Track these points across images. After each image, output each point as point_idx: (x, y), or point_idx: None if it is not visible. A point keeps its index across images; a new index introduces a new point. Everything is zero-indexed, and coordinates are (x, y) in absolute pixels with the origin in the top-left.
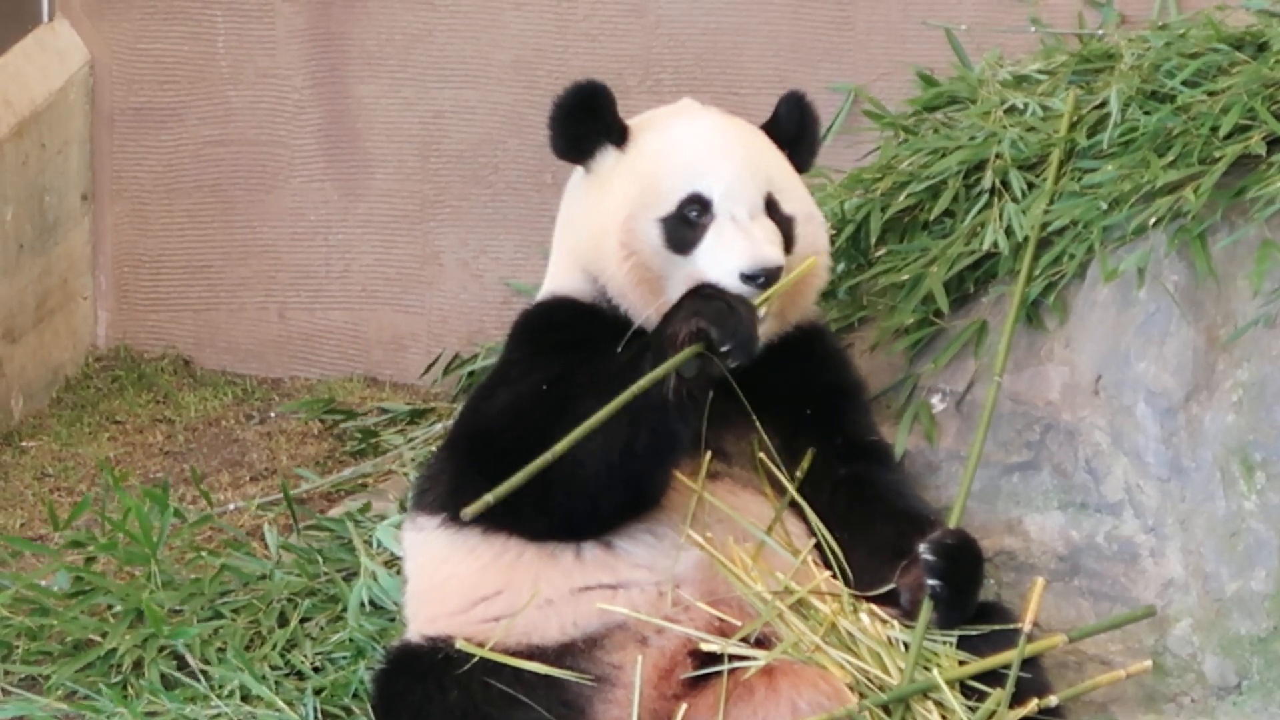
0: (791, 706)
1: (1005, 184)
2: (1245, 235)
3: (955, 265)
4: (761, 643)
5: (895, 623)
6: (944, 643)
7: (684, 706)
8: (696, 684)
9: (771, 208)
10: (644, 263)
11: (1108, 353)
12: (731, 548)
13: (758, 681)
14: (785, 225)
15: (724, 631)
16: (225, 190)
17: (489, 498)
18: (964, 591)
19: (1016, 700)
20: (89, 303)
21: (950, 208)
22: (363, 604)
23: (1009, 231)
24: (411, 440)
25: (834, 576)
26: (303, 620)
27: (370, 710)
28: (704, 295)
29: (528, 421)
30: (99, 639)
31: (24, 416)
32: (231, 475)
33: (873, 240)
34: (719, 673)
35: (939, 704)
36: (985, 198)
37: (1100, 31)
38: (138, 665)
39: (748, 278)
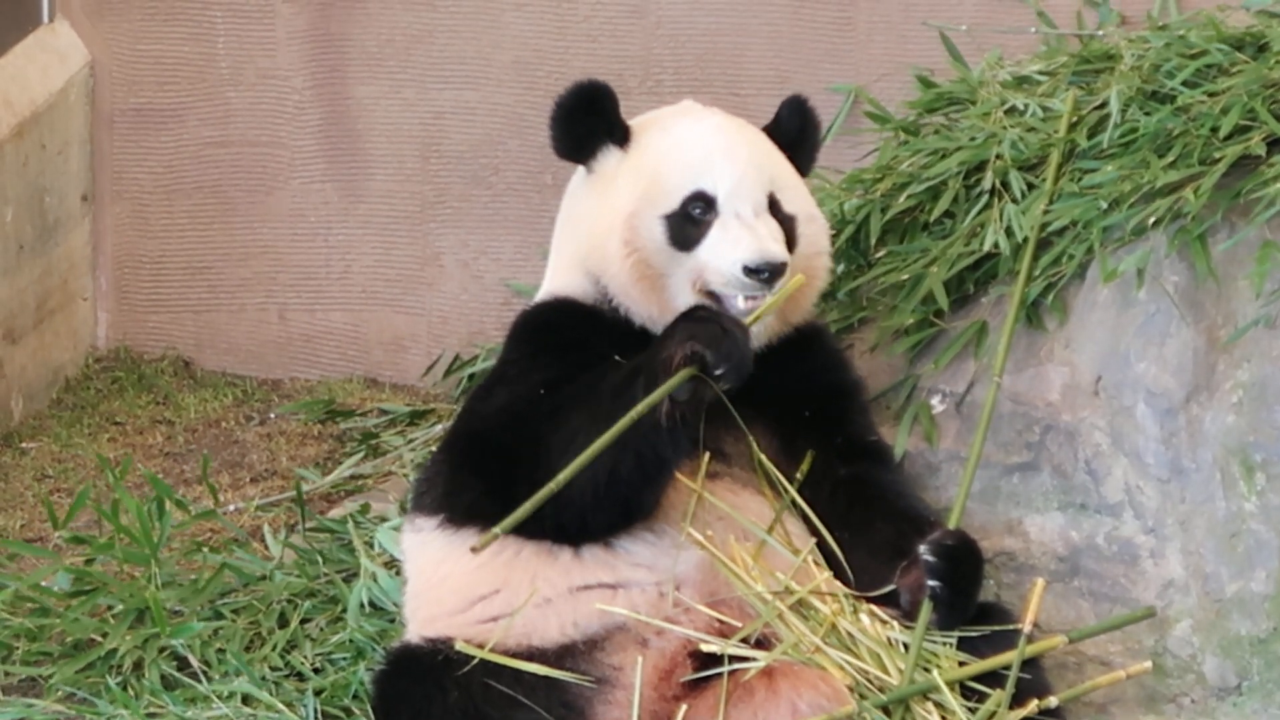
0: (792, 707)
1: (1005, 185)
2: (1245, 236)
3: (955, 266)
4: (762, 644)
5: (895, 623)
6: (944, 643)
7: (684, 708)
8: (696, 685)
9: (774, 207)
10: (646, 259)
11: (1108, 353)
12: (732, 547)
13: (758, 682)
14: (787, 224)
15: (724, 632)
16: (225, 191)
17: (497, 530)
18: (964, 592)
19: (1016, 701)
20: (89, 304)
21: (950, 209)
22: (363, 605)
23: (1009, 232)
24: (411, 441)
25: (834, 577)
26: (303, 621)
27: (370, 711)
28: (698, 318)
29: (522, 425)
30: (99, 639)
31: (24, 417)
32: (232, 476)
33: (873, 241)
34: (719, 674)
35: (939, 705)
36: (985, 198)
37: (1100, 32)
38: (138, 666)
39: (751, 271)
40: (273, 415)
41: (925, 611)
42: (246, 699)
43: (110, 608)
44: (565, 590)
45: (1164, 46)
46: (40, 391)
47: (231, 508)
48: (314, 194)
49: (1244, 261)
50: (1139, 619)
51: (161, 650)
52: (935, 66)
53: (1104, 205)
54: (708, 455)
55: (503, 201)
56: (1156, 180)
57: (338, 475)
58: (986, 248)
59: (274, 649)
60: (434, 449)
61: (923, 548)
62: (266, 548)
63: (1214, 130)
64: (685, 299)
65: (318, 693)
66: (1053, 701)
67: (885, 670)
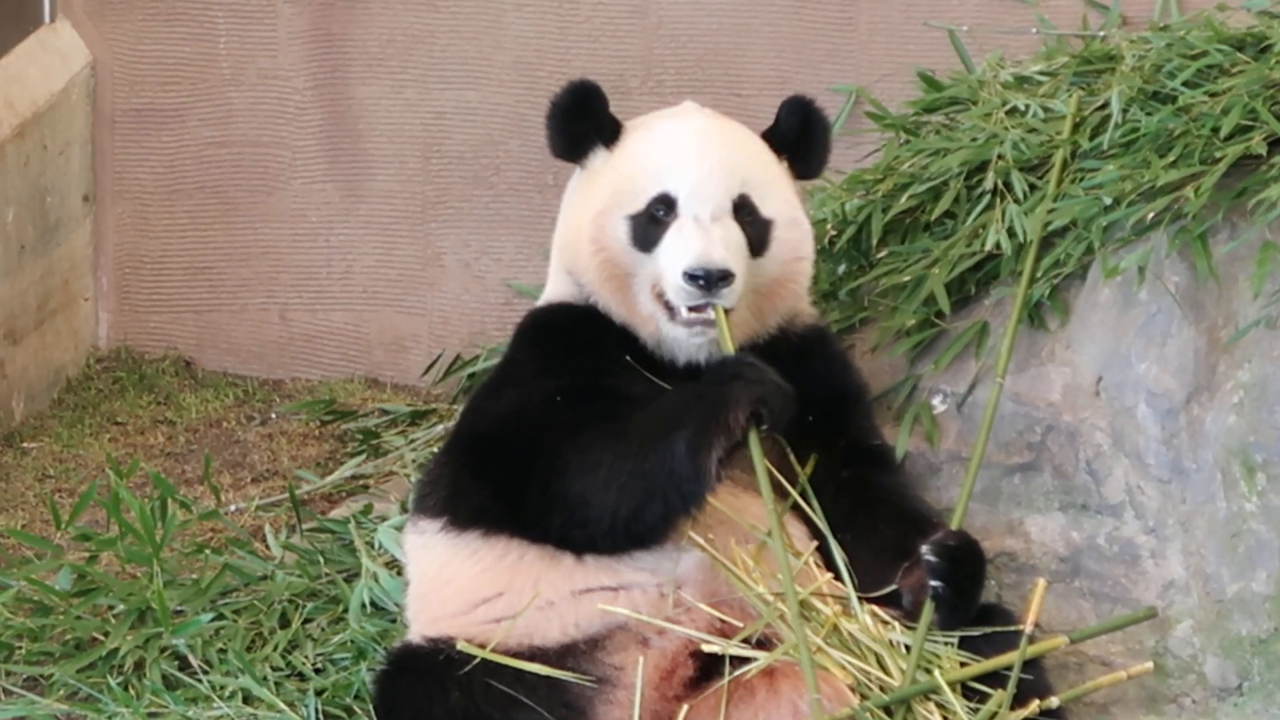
0: (793, 708)
1: (1007, 185)
2: (1246, 236)
3: (957, 267)
4: (763, 644)
5: (897, 624)
6: (946, 644)
7: (685, 708)
8: (698, 685)
9: (744, 211)
10: (612, 259)
11: (1109, 354)
12: (733, 549)
13: (759, 683)
14: (761, 228)
15: (725, 633)
16: (226, 191)
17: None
18: (966, 593)
19: (1018, 701)
20: (90, 304)
21: (952, 209)
22: (364, 605)
23: (1010, 233)
24: (413, 441)
25: (836, 578)
26: (304, 621)
27: (372, 711)
28: (751, 379)
29: (535, 432)
30: (101, 639)
31: (25, 418)
32: (233, 476)
33: (874, 242)
34: (720, 674)
35: (940, 705)
36: (987, 199)
37: (1101, 33)
38: (139, 665)
39: (690, 277)
40: (274, 415)
41: (927, 612)
42: (248, 698)
43: (111, 607)
44: (567, 593)
45: (1165, 47)
46: (41, 392)
47: (233, 508)
48: (315, 194)
49: (1245, 262)
50: (1140, 619)
51: (163, 650)
52: (936, 67)
53: (1105, 205)
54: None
55: (504, 202)
56: (1157, 180)
57: (338, 476)
58: (988, 248)
59: (275, 649)
60: (435, 449)
61: (925, 548)
62: (268, 548)
63: (1215, 130)
64: (645, 301)
65: (319, 692)
66: (1054, 702)
67: (887, 671)
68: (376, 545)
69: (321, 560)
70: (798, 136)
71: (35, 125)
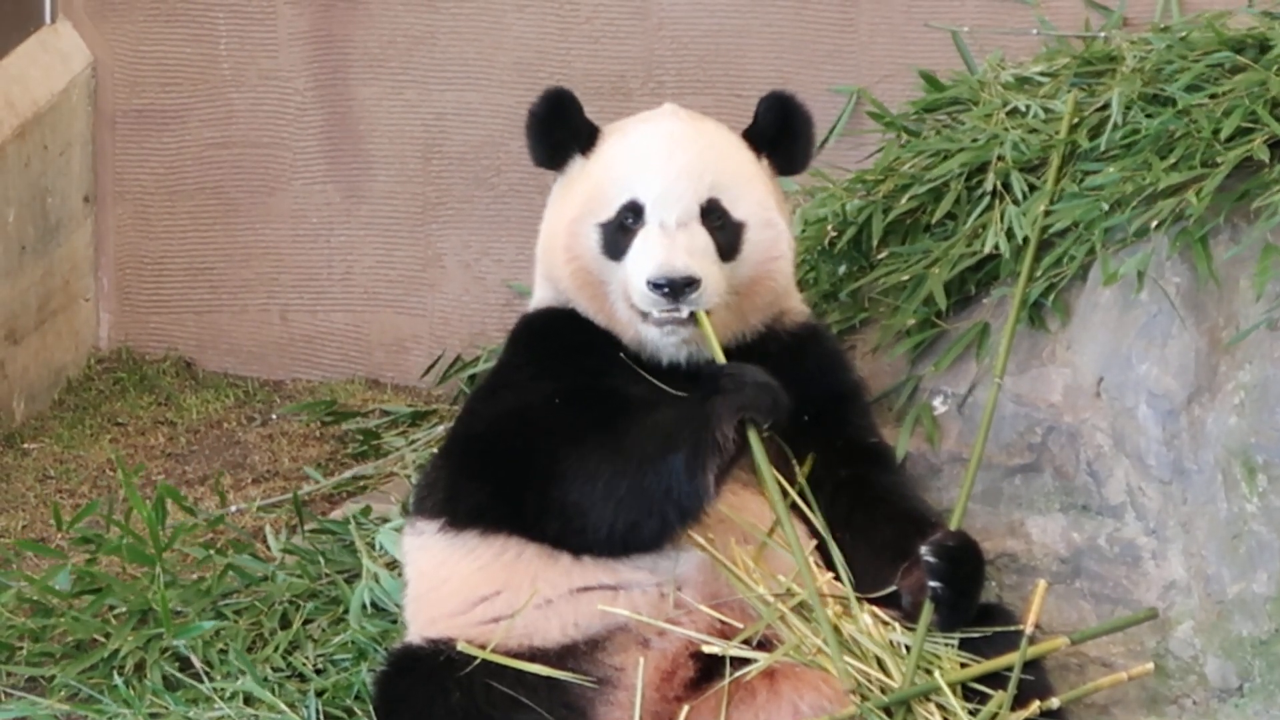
0: (793, 709)
1: (1007, 186)
2: (1247, 238)
3: (957, 267)
4: (763, 645)
5: (897, 625)
6: (946, 645)
7: (686, 708)
8: (698, 686)
9: (713, 214)
10: (584, 267)
11: (1109, 355)
12: (733, 549)
13: (759, 684)
14: (732, 230)
15: (726, 634)
16: (227, 192)
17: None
18: (965, 593)
19: (1018, 702)
20: (91, 304)
21: (952, 210)
22: (365, 606)
23: (1010, 234)
24: (413, 442)
25: (836, 579)
26: (305, 622)
27: (372, 712)
28: (732, 389)
29: (533, 435)
30: (102, 640)
31: (26, 418)
32: (233, 477)
33: (874, 242)
34: (721, 675)
35: (941, 706)
36: (987, 200)
37: (1102, 34)
38: (140, 666)
39: (654, 285)
40: (274, 416)
41: (926, 612)
42: (249, 699)
43: (113, 608)
44: (566, 591)
45: (1166, 49)
46: (42, 392)
47: (234, 509)
48: (316, 195)
49: (1246, 263)
50: (1141, 620)
51: (164, 651)
52: (937, 68)
53: (1106, 207)
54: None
55: (504, 203)
56: (1158, 182)
57: (340, 478)
58: (988, 249)
59: (276, 650)
60: (436, 450)
61: (923, 549)
62: (268, 549)
63: (1216, 133)
64: (621, 309)
65: (320, 693)
66: (1055, 703)
67: (887, 672)
68: (377, 546)
69: (322, 561)
70: (777, 133)
71: (36, 126)
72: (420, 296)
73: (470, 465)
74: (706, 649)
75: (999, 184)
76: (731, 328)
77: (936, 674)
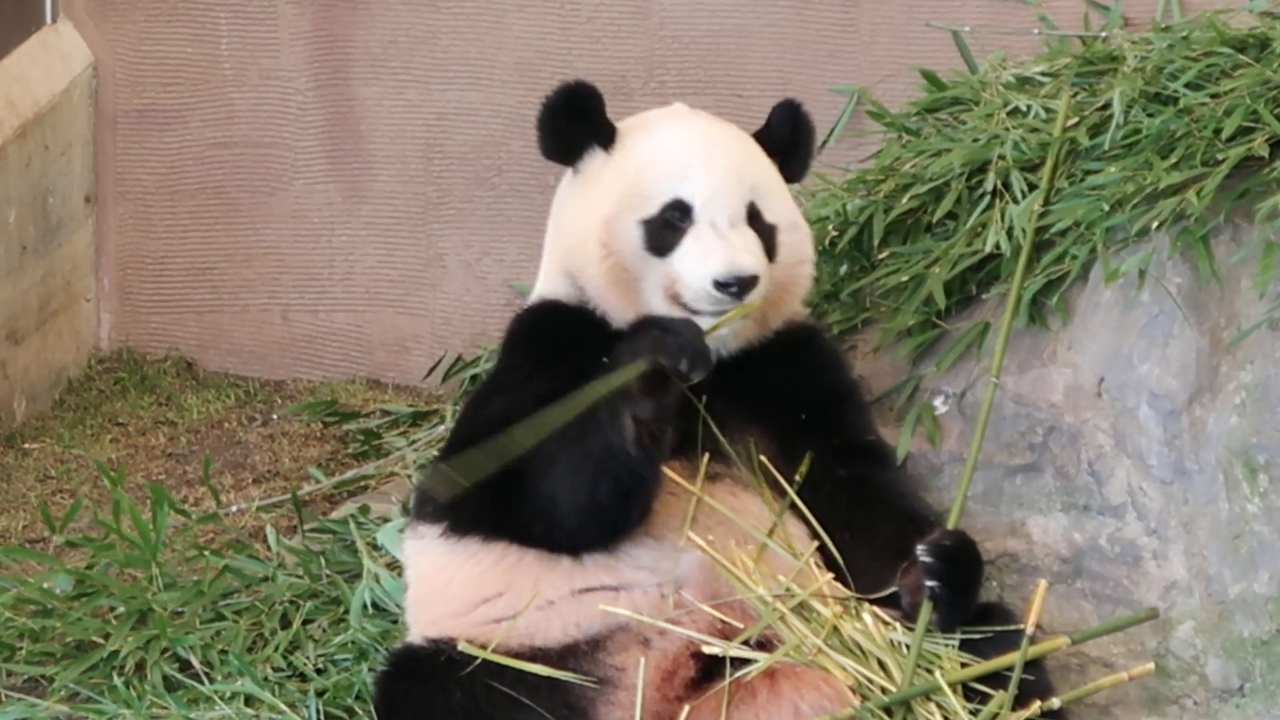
0: (794, 709)
1: (1007, 185)
2: (1248, 238)
3: (957, 267)
4: (763, 645)
5: (897, 625)
6: (946, 645)
7: (686, 708)
8: (699, 686)
9: (754, 216)
10: (622, 263)
11: (1111, 355)
12: (733, 550)
13: (760, 684)
14: (768, 234)
15: (726, 634)
16: (228, 192)
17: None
18: (963, 592)
19: (1019, 702)
20: (92, 304)
21: (953, 209)
22: (365, 606)
23: (1011, 233)
24: (414, 442)
25: (836, 579)
26: (305, 622)
27: (373, 712)
28: (637, 333)
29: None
30: (101, 641)
31: (26, 418)
32: (234, 477)
33: (875, 242)
34: (722, 675)
35: (941, 706)
36: (988, 199)
37: (1103, 34)
38: (140, 667)
39: (721, 285)
40: (275, 416)
41: (925, 612)
42: (249, 700)
43: (112, 609)
44: (568, 593)
45: (1167, 48)
46: (43, 392)
47: (234, 509)
48: (317, 195)
49: (1247, 263)
50: (1142, 620)
51: (164, 651)
52: (938, 68)
53: (1107, 206)
54: (707, 457)
55: (506, 202)
56: (1159, 182)
57: (341, 478)
58: (988, 248)
59: (276, 650)
60: (437, 450)
61: (920, 548)
62: (269, 549)
63: (1217, 132)
64: (657, 304)
65: (320, 693)
66: (1055, 703)
67: (888, 672)
68: (378, 546)
69: (322, 561)
70: (789, 141)
71: (37, 126)
72: (421, 296)
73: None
74: (707, 649)
75: (999, 183)
76: (751, 332)
77: (937, 674)
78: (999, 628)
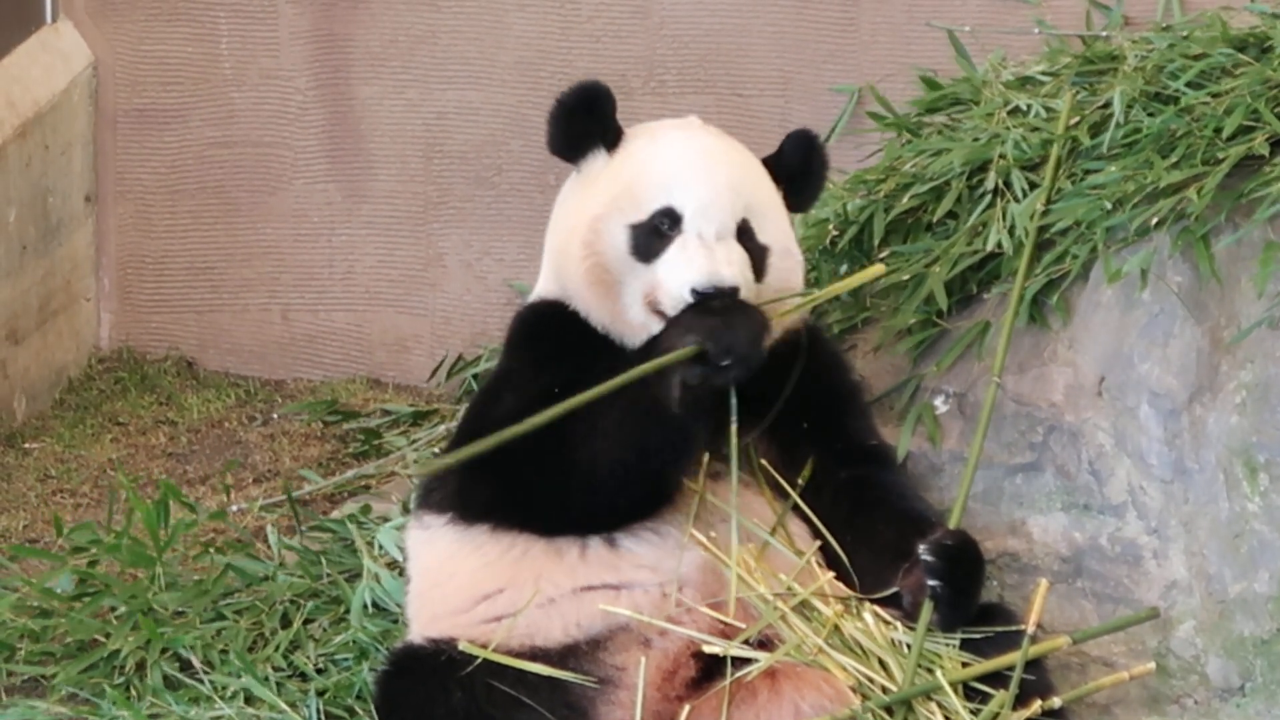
0: (794, 708)
1: (1008, 185)
2: (1249, 237)
3: (958, 266)
4: (764, 644)
5: (898, 625)
6: (948, 644)
7: (687, 708)
8: (700, 685)
9: (745, 235)
10: (604, 264)
11: (1111, 354)
12: (734, 548)
13: (761, 683)
14: (758, 254)
15: (727, 633)
16: (228, 192)
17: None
18: (964, 592)
19: (1020, 702)
20: (92, 304)
21: (954, 209)
22: (365, 605)
23: (1011, 232)
24: (414, 442)
25: (837, 579)
26: (305, 622)
27: (374, 712)
28: (705, 309)
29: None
30: (102, 640)
31: (27, 418)
32: (234, 477)
33: (876, 241)
34: (722, 674)
35: (942, 706)
36: (988, 198)
37: (1104, 33)
38: (140, 667)
39: (698, 293)
40: (275, 416)
41: (926, 612)
42: (249, 699)
43: (113, 609)
44: (569, 590)
45: (1167, 47)
46: (43, 392)
47: (234, 508)
48: (317, 194)
49: (1248, 262)
50: (1142, 620)
51: (164, 651)
52: (938, 67)
53: (1108, 206)
54: (707, 456)
55: (506, 202)
56: (1160, 181)
57: (341, 477)
58: (989, 247)
59: (277, 649)
60: (437, 450)
61: (922, 548)
62: (269, 548)
63: (1217, 131)
64: (636, 311)
65: (321, 693)
66: (1056, 702)
67: (888, 671)
68: (378, 545)
69: (323, 561)
70: (798, 171)
71: (37, 125)
72: (422, 296)
73: (480, 462)
74: (708, 649)
75: (1000, 182)
76: None
77: (938, 673)
78: (1000, 627)
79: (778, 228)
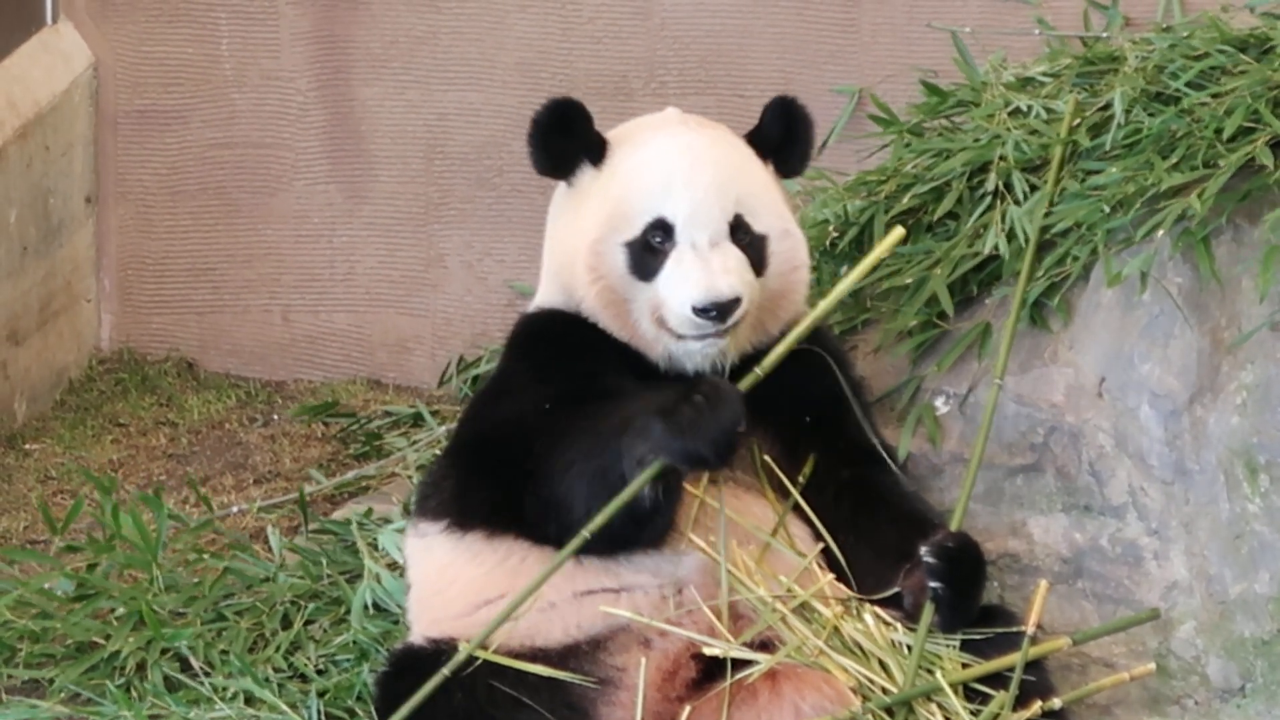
0: (795, 710)
1: (1008, 186)
2: (1250, 239)
3: (959, 267)
4: (765, 646)
5: (899, 626)
6: (948, 645)
7: (687, 709)
8: (700, 686)
9: (740, 230)
10: (610, 286)
11: (1112, 355)
12: (734, 552)
13: (761, 685)
14: (757, 245)
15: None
16: (229, 193)
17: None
18: (966, 594)
19: (1020, 703)
20: (93, 305)
21: (954, 210)
22: (366, 606)
23: (1011, 234)
24: (415, 443)
25: (838, 580)
26: (306, 623)
27: (374, 712)
28: (673, 408)
29: (528, 441)
30: (102, 642)
31: (27, 419)
32: (235, 478)
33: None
34: (723, 675)
35: (942, 706)
36: (989, 200)
37: (1104, 34)
38: (141, 668)
39: (700, 310)
40: (276, 417)
41: (927, 613)
42: (249, 700)
43: (112, 611)
44: (569, 594)
45: (1168, 48)
46: (44, 393)
47: (235, 509)
48: (318, 195)
49: (1248, 263)
50: (1143, 621)
51: (164, 652)
52: (939, 68)
53: (1108, 207)
54: None
55: (507, 203)
56: (1161, 182)
57: (342, 478)
58: (989, 249)
59: (277, 650)
60: (438, 450)
61: (924, 550)
62: (270, 549)
63: (1218, 132)
64: (647, 327)
65: (321, 694)
66: (1056, 703)
67: (889, 672)
68: (379, 546)
69: (324, 561)
70: (781, 138)
71: (38, 126)
72: (422, 297)
73: (476, 468)
74: (708, 650)
75: (1000, 184)
76: (750, 339)
77: (938, 674)
78: (1000, 628)
79: (772, 211)
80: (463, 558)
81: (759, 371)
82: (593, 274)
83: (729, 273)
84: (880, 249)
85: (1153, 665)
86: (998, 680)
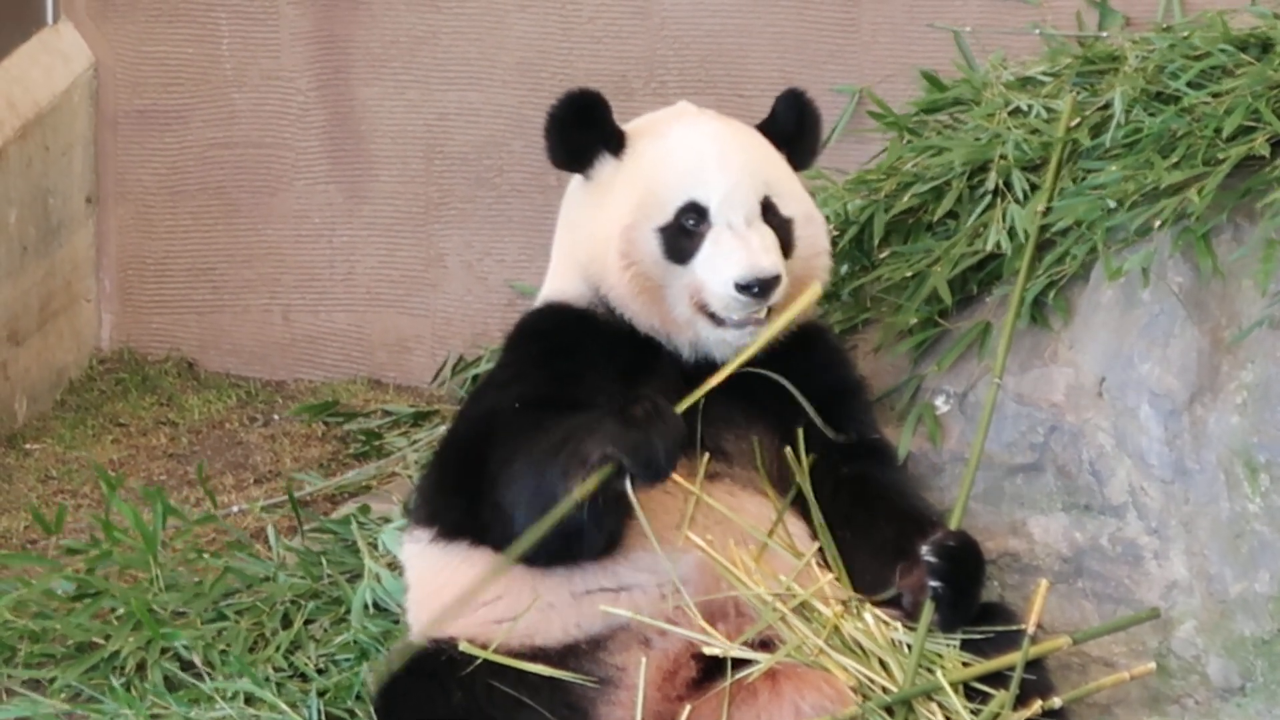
0: (795, 709)
1: (1008, 185)
2: (1249, 237)
3: (958, 266)
4: (765, 645)
5: (899, 625)
6: (948, 644)
7: (687, 708)
8: (700, 686)
9: (769, 212)
10: (644, 273)
11: (1112, 354)
12: (732, 550)
13: (761, 684)
14: (784, 228)
15: (727, 634)
16: (229, 193)
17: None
18: (965, 593)
19: (1020, 702)
20: (93, 305)
21: (954, 209)
22: (366, 606)
23: (1011, 233)
24: (415, 442)
25: (837, 578)
26: (306, 622)
27: (374, 712)
28: (627, 419)
29: (490, 442)
30: (102, 641)
31: (27, 419)
32: (235, 478)
33: (876, 241)
34: (723, 674)
35: (942, 706)
36: (989, 199)
37: (1104, 33)
38: (141, 667)
39: (743, 287)
40: (276, 417)
41: (927, 612)
42: (250, 699)
43: (113, 610)
44: (567, 595)
45: (1168, 48)
46: (44, 393)
47: (235, 509)
48: (318, 195)
49: (1248, 262)
50: (1143, 620)
51: (164, 651)
52: (939, 68)
53: (1108, 206)
54: (707, 456)
55: (507, 203)
56: (1161, 181)
57: (342, 478)
58: (989, 248)
59: (277, 650)
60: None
61: (924, 548)
62: (270, 549)
63: (1218, 131)
64: (682, 310)
65: (321, 693)
66: (1057, 702)
67: (889, 672)
68: (379, 546)
69: (324, 561)
70: (794, 130)
71: (38, 126)
72: (422, 296)
73: (451, 475)
74: (708, 650)
75: (1000, 183)
76: (770, 333)
77: (938, 673)
78: (1000, 627)
79: (795, 197)
80: (454, 563)
81: (703, 391)
82: (625, 260)
83: (769, 250)
84: (802, 301)
85: (1153, 664)
86: (998, 679)
